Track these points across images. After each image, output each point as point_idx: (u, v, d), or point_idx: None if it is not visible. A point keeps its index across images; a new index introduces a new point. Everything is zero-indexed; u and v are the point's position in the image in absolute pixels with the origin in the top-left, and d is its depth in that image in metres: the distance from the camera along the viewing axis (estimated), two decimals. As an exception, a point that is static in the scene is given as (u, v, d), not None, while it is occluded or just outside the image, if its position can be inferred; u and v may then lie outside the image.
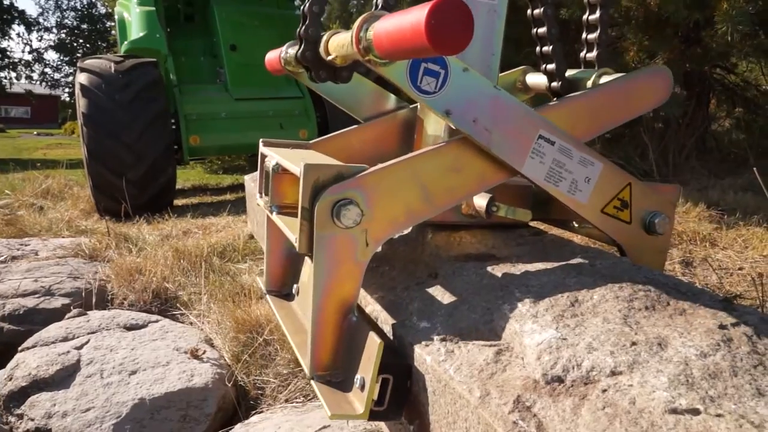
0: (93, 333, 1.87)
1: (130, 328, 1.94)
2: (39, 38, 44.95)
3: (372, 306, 1.15)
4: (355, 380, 0.92)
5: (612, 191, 1.16)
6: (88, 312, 2.00)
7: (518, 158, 1.06)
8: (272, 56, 1.32)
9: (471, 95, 0.99)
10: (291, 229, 1.02)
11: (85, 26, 31.85)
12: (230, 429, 1.40)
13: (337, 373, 0.97)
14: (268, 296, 1.34)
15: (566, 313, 0.91)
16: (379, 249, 1.11)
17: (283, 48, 1.27)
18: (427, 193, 1.01)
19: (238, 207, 3.61)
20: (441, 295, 1.10)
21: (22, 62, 27.57)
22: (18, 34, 39.94)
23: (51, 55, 32.27)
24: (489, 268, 1.14)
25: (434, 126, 1.28)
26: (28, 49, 35.59)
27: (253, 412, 1.50)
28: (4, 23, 25.86)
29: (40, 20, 30.20)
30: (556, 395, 0.72)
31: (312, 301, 0.94)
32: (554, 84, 1.27)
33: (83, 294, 2.14)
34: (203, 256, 2.39)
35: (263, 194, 1.24)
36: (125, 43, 4.60)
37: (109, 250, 2.57)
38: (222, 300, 1.95)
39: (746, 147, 4.29)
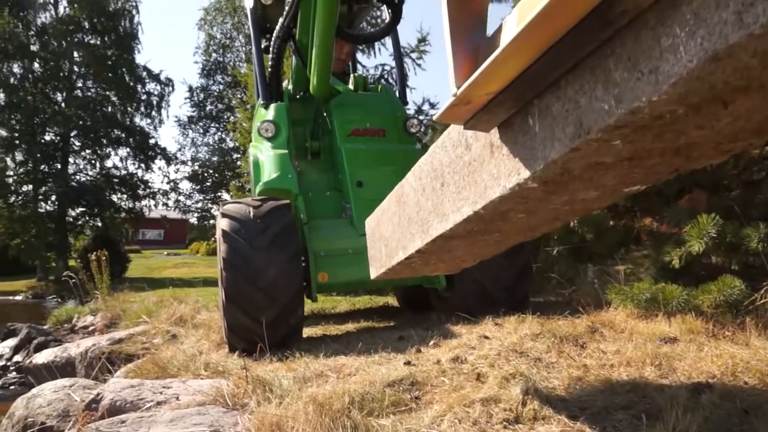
0: (238, 506, 1.73)
1: (274, 500, 1.78)
2: (176, 170, 51.22)
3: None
4: None
5: None
6: (231, 477, 1.88)
7: None
8: None
9: None
10: None
11: (215, 159, 35.88)
12: None
13: None
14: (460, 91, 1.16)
15: None
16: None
17: None
18: None
19: (367, 343, 3.49)
20: None
21: (161, 192, 31.15)
22: (159, 168, 45.61)
23: (184, 185, 36.32)
24: None
25: None
26: (166, 180, 40.44)
27: None
28: (148, 159, 29.80)
29: (178, 155, 34.43)
30: None
31: None
32: None
33: (225, 452, 2.03)
34: (344, 410, 2.23)
35: None
36: (260, 184, 4.87)
37: (247, 397, 2.50)
38: (374, 474, 1.74)
39: None
